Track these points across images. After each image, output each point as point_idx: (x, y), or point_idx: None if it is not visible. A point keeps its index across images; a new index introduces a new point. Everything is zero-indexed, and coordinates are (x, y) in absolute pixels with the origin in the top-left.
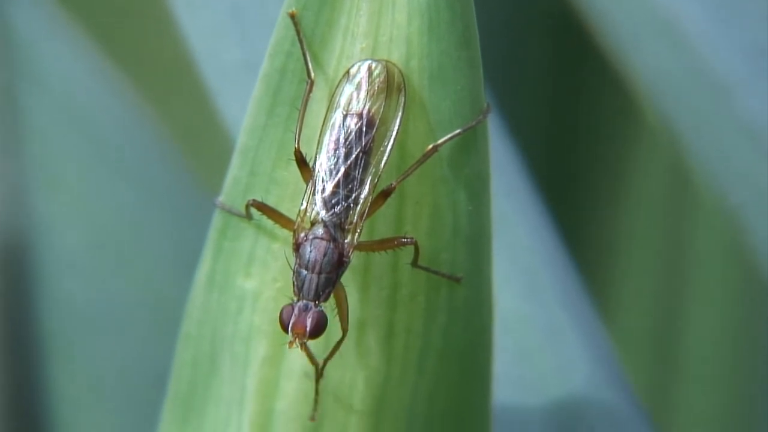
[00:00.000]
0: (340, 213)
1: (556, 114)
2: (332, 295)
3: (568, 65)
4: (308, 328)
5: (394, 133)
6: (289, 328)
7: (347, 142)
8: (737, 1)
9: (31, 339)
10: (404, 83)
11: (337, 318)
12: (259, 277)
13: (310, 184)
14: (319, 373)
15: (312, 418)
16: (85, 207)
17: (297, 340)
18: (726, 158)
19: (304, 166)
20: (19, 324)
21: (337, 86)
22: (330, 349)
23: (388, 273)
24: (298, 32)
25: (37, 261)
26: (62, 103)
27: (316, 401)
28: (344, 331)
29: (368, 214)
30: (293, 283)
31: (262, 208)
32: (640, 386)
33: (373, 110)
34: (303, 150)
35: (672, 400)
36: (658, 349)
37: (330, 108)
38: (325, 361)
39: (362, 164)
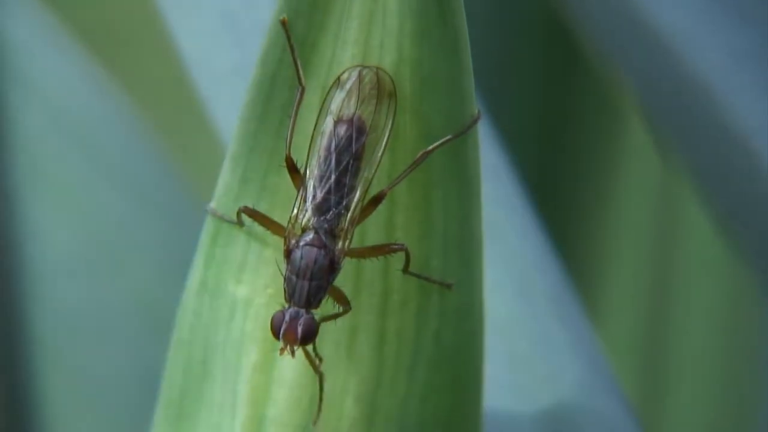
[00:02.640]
0: (331, 219)
1: (546, 120)
2: (331, 297)
3: (558, 72)
4: (299, 335)
5: (385, 139)
6: (281, 335)
7: (338, 149)
8: (721, 6)
9: (21, 344)
10: (395, 90)
11: (331, 324)
12: (250, 284)
13: (301, 190)
14: (321, 380)
15: (314, 423)
16: (76, 212)
17: (288, 346)
18: (713, 162)
19: (295, 172)
20: (8, 329)
21: (328, 93)
22: (321, 356)
23: (379, 279)
24: (288, 39)
25: (28, 266)
26: (53, 108)
27: (319, 406)
28: (345, 310)
29: (359, 221)
30: (284, 289)
31: (254, 214)
32: (631, 391)
33: (363, 117)
34: (294, 157)
35: (663, 405)
36: (649, 353)
37: (321, 114)
38: (316, 364)
39: (353, 171)
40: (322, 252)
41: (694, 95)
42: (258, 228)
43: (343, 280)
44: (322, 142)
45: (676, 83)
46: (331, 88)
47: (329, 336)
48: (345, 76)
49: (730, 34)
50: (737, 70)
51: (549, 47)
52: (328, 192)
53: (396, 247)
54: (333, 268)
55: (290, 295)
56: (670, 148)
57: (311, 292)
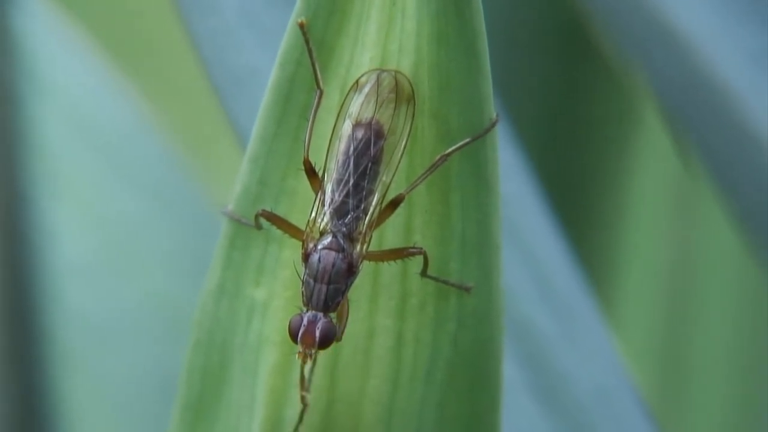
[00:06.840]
0: (350, 223)
1: (564, 122)
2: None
3: (576, 73)
4: (317, 339)
5: (403, 143)
6: (298, 339)
7: (356, 152)
8: (740, 6)
9: (39, 347)
10: (413, 94)
11: (348, 327)
12: (268, 287)
13: (319, 194)
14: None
15: (304, 400)
16: (94, 215)
17: (306, 350)
18: (731, 161)
19: (313, 176)
20: (27, 332)
21: (347, 96)
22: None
23: (397, 282)
24: (307, 42)
25: (46, 268)
26: (70, 111)
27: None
28: (336, 340)
29: (377, 224)
30: (302, 293)
31: (272, 217)
32: (648, 393)
33: (382, 120)
34: (312, 160)
35: (681, 407)
36: (667, 355)
37: (339, 118)
38: (305, 378)
39: (371, 174)
40: (340, 255)
41: (712, 95)
42: (276, 231)
43: (361, 284)
44: (341, 146)
45: (695, 83)
46: (349, 91)
47: (347, 338)
48: (363, 79)
49: (748, 35)
50: (756, 70)
51: (568, 49)
52: (347, 195)
53: (414, 250)
54: (351, 271)
55: (308, 299)
56: (689, 147)
57: (329, 296)
